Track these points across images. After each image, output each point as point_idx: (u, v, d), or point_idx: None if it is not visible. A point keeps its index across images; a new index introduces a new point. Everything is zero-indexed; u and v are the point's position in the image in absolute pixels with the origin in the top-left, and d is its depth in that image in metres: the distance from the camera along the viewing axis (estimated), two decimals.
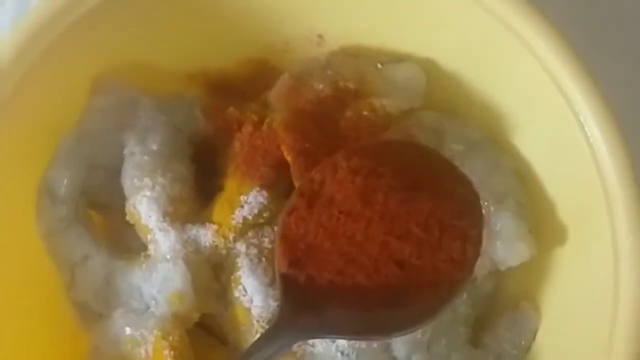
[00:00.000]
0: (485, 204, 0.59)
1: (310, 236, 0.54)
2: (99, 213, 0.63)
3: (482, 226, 0.55)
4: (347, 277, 0.52)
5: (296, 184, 0.57)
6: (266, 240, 0.58)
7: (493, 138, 0.61)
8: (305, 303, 0.52)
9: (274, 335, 0.53)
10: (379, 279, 0.52)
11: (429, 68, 0.62)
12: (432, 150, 0.58)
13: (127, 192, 0.59)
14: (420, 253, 0.53)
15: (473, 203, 0.56)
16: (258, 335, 0.56)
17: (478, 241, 0.55)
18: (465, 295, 0.60)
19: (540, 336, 0.61)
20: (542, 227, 0.60)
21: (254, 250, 0.58)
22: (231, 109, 0.61)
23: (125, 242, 0.62)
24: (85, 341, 0.60)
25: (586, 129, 0.55)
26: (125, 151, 0.59)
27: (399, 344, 0.58)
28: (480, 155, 0.61)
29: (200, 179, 0.61)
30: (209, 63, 0.64)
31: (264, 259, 0.58)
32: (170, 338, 0.56)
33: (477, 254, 0.55)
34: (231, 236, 0.58)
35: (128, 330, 0.57)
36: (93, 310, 0.60)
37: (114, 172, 0.60)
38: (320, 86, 0.61)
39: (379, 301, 0.52)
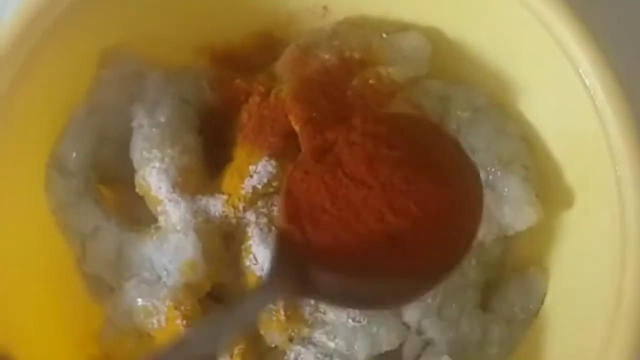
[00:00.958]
0: (492, 170, 0.60)
1: (312, 193, 0.53)
2: (109, 187, 0.64)
3: (479, 220, 0.55)
4: (342, 243, 0.52)
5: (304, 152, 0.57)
6: (276, 209, 0.58)
7: (499, 104, 0.62)
8: (297, 261, 0.52)
9: (259, 290, 0.53)
10: (371, 250, 0.52)
11: (433, 36, 0.62)
12: (445, 132, 0.58)
13: (136, 164, 0.59)
14: (415, 231, 0.52)
15: (475, 194, 0.55)
16: None
17: (473, 234, 0.54)
18: (474, 261, 0.61)
19: (548, 300, 0.62)
20: (549, 191, 0.60)
21: (263, 219, 0.58)
22: (238, 81, 0.61)
23: (136, 215, 0.62)
24: (97, 314, 0.61)
25: (592, 92, 0.55)
26: (134, 124, 0.60)
27: (410, 309, 0.58)
28: (487, 121, 0.61)
29: (209, 151, 0.62)
30: (216, 36, 0.65)
31: (273, 228, 0.58)
32: (183, 308, 0.56)
33: (470, 245, 0.54)
34: (241, 206, 0.58)
35: (140, 301, 0.58)
36: (105, 282, 0.61)
37: (124, 145, 0.60)
38: (327, 56, 0.61)
39: (371, 272, 0.52)
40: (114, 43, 0.61)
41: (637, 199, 0.53)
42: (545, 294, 0.62)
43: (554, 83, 0.59)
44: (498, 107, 0.62)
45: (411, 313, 0.58)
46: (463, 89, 0.62)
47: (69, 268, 0.62)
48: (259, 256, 0.57)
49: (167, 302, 0.57)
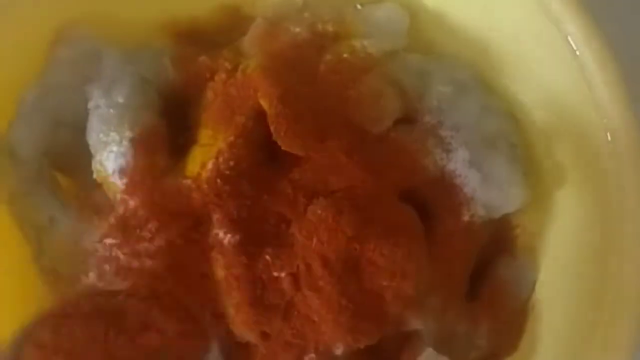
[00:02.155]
0: (478, 149, 0.57)
1: None
2: (65, 174, 0.60)
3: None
4: None
5: (274, 132, 0.53)
6: (244, 193, 0.55)
7: (482, 78, 0.58)
8: None
9: None
10: None
11: (411, 6, 0.59)
12: None
13: (93, 148, 0.56)
14: None
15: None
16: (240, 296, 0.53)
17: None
18: (459, 247, 0.57)
19: (541, 287, 0.58)
20: (538, 169, 0.57)
21: (231, 205, 0.54)
22: (203, 57, 0.57)
23: (94, 204, 0.58)
24: None
25: (582, 61, 0.52)
26: (90, 105, 0.56)
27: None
28: (470, 97, 0.58)
29: (172, 133, 0.58)
30: (178, 11, 0.61)
31: (243, 214, 0.54)
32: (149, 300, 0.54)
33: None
34: (205, 190, 0.54)
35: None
36: (63, 276, 0.57)
37: (80, 129, 0.57)
38: (297, 29, 0.58)
39: None
40: (69, 20, 0.57)
41: (634, 174, 0.49)
42: (536, 280, 0.58)
43: (540, 53, 0.55)
44: (481, 81, 0.58)
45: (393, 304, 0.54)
46: (444, 63, 0.58)
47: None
48: (224, 244, 0.54)
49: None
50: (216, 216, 0.54)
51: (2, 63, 0.56)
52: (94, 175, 0.56)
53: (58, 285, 0.58)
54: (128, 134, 0.55)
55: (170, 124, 0.57)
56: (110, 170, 0.55)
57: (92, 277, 0.55)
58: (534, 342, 0.57)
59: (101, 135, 0.55)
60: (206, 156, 0.54)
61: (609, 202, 0.52)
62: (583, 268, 0.55)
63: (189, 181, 0.54)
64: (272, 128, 0.53)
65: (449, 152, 0.57)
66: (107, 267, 0.55)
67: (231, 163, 0.54)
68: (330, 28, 0.58)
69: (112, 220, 0.55)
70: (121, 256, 0.55)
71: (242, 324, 0.54)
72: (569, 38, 0.52)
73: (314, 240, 0.53)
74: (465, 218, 0.56)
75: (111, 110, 0.55)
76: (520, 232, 0.60)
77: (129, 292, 0.54)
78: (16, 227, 0.57)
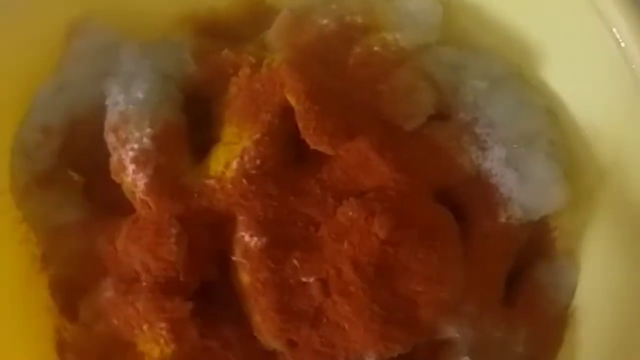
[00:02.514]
0: (515, 147, 0.54)
1: None
2: (81, 173, 0.57)
3: None
4: None
5: (301, 130, 0.51)
6: (271, 194, 0.52)
7: (519, 73, 0.56)
8: None
9: None
10: None
11: None
12: None
13: (111, 146, 0.53)
14: None
15: None
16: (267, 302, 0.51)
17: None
18: (496, 250, 0.54)
19: (582, 293, 0.56)
20: (579, 169, 0.55)
21: (257, 206, 0.52)
22: (225, 51, 0.55)
23: (112, 205, 0.56)
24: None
25: (628, 55, 0.49)
26: (108, 101, 0.54)
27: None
28: (506, 93, 0.55)
29: (193, 130, 0.55)
30: (198, 3, 0.59)
31: (270, 216, 0.52)
32: (167, 309, 0.51)
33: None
34: (230, 190, 0.52)
35: (119, 302, 0.52)
36: (75, 284, 0.55)
37: (97, 126, 0.54)
38: (325, 21, 0.55)
39: None
40: (85, 12, 0.56)
41: None
42: (575, 286, 0.56)
43: (582, 46, 0.53)
44: (518, 75, 0.56)
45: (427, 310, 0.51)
46: (479, 56, 0.56)
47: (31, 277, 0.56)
48: (250, 248, 0.51)
49: (148, 304, 0.50)
50: (241, 218, 0.52)
51: (15, 57, 0.54)
52: (112, 175, 0.54)
53: (70, 294, 0.55)
54: (148, 131, 0.52)
55: (191, 121, 0.55)
56: (130, 170, 0.52)
57: (109, 284, 0.52)
58: (573, 351, 0.55)
59: (120, 132, 0.53)
60: (230, 155, 0.52)
61: None
62: (627, 274, 0.52)
63: (212, 181, 0.52)
64: (299, 125, 0.51)
65: (484, 150, 0.54)
66: (124, 272, 0.52)
67: (257, 162, 0.52)
68: (359, 20, 0.56)
69: (130, 222, 0.52)
70: (139, 262, 0.52)
71: (268, 332, 0.52)
72: (614, 30, 0.49)
73: (345, 243, 0.50)
74: (502, 220, 0.54)
75: (130, 107, 0.53)
76: (558, 234, 0.57)
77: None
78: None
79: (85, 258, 0.54)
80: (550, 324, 0.55)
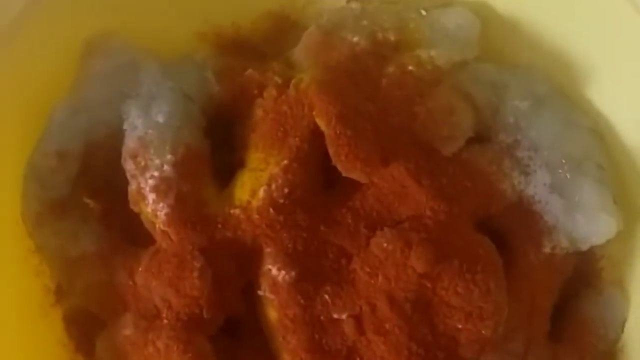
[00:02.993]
0: (560, 171, 0.52)
1: None
2: (99, 202, 0.55)
3: None
4: None
5: (333, 156, 0.49)
6: (300, 224, 0.49)
7: (563, 91, 0.54)
8: None
9: None
10: None
11: (482, 12, 0.55)
12: None
13: (129, 173, 0.51)
14: None
15: None
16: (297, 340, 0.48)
17: None
18: (542, 282, 0.52)
19: (629, 327, 0.53)
20: (629, 196, 0.53)
21: (285, 238, 0.49)
22: (250, 71, 0.54)
23: (131, 234, 0.53)
24: None
25: None
26: (126, 125, 0.52)
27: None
28: (550, 112, 0.53)
29: (217, 155, 0.53)
30: (222, 19, 0.57)
31: (299, 247, 0.49)
32: (190, 348, 0.48)
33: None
34: (257, 220, 0.49)
35: (139, 340, 0.50)
36: (91, 319, 0.53)
37: (115, 151, 0.52)
38: (355, 39, 0.53)
39: None
40: (103, 29, 0.54)
41: None
42: (625, 320, 0.53)
43: (630, 61, 0.51)
44: (562, 94, 0.54)
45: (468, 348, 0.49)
46: (520, 74, 0.54)
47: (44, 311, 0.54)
48: (279, 282, 0.49)
49: (170, 342, 0.48)
50: (268, 250, 0.49)
51: (29, 77, 0.52)
52: (131, 205, 0.51)
53: (86, 329, 0.54)
54: (170, 157, 0.50)
55: (214, 145, 0.53)
56: (149, 199, 0.50)
57: (128, 320, 0.50)
58: None
59: (139, 159, 0.51)
60: (257, 182, 0.50)
61: None
62: None
63: (237, 210, 0.50)
64: (330, 151, 0.49)
65: (527, 174, 0.52)
66: (144, 308, 0.49)
67: (285, 190, 0.49)
68: (391, 37, 0.54)
69: (151, 254, 0.50)
70: (160, 297, 0.49)
71: None
72: None
73: (379, 277, 0.48)
74: (547, 250, 0.51)
75: (150, 131, 0.51)
76: (606, 264, 0.55)
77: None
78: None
79: (103, 292, 0.52)
80: (601, 358, 0.53)
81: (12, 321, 0.53)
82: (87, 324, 0.54)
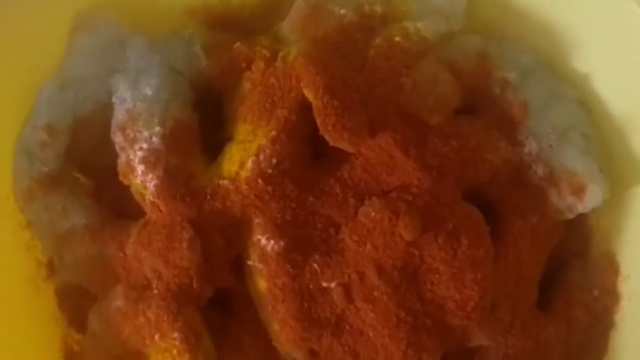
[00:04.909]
0: (546, 141, 0.52)
1: None
2: (89, 176, 0.55)
3: None
4: None
5: (320, 126, 0.48)
6: (289, 195, 0.49)
7: (550, 62, 0.54)
8: None
9: None
10: None
11: None
12: None
13: (119, 146, 0.51)
14: None
15: None
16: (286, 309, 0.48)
17: None
18: (529, 251, 0.52)
19: (623, 297, 0.53)
20: (615, 165, 0.53)
21: (274, 208, 0.49)
22: (238, 45, 0.53)
23: (120, 208, 0.54)
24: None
25: None
26: (115, 98, 0.52)
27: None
28: (536, 84, 0.53)
29: (205, 129, 0.53)
30: None
31: (288, 217, 0.49)
32: (180, 318, 0.48)
33: None
34: (245, 191, 0.49)
35: (129, 311, 0.50)
36: (83, 293, 0.54)
37: (104, 125, 0.52)
38: (342, 11, 0.53)
39: None
40: (90, 5, 0.54)
41: None
42: (614, 288, 0.53)
43: (616, 33, 0.51)
44: (548, 65, 0.54)
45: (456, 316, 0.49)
46: (506, 46, 0.54)
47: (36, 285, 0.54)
48: (268, 252, 0.49)
49: (160, 312, 0.48)
50: (257, 220, 0.49)
51: (18, 53, 0.52)
52: (120, 177, 0.51)
53: (78, 303, 0.54)
54: (158, 129, 0.50)
55: (203, 119, 0.53)
56: (138, 170, 0.50)
57: (119, 292, 0.50)
58: (617, 358, 0.52)
59: (128, 131, 0.50)
60: (245, 154, 0.50)
61: None
62: None
63: (226, 182, 0.50)
64: (318, 121, 0.48)
65: (514, 144, 0.52)
66: (135, 279, 0.50)
67: (273, 161, 0.49)
68: (378, 9, 0.53)
69: (140, 226, 0.50)
70: (150, 268, 0.49)
71: (287, 341, 0.49)
72: None
73: (367, 245, 0.48)
74: (535, 219, 0.51)
75: (139, 104, 0.51)
76: (594, 234, 0.55)
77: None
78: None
79: (94, 265, 0.52)
80: (589, 329, 0.53)
81: (3, 296, 0.53)
82: (79, 298, 0.54)
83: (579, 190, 0.51)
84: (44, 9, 0.53)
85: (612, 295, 0.53)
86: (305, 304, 0.49)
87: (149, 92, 0.51)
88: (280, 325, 0.49)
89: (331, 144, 0.49)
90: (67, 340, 0.54)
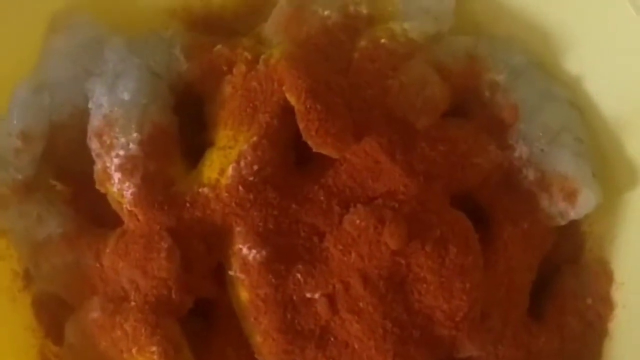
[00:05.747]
0: (537, 144, 0.51)
1: None
2: (65, 183, 0.54)
3: None
4: None
5: (303, 132, 0.47)
6: (271, 202, 0.48)
7: (541, 63, 0.53)
8: None
9: None
10: None
11: None
12: None
13: (95, 153, 0.50)
14: None
15: None
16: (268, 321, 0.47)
17: None
18: (520, 258, 0.51)
19: (617, 305, 0.52)
20: (608, 169, 0.52)
21: (256, 216, 0.48)
22: (219, 47, 0.52)
23: (99, 215, 0.52)
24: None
25: None
26: (91, 103, 0.50)
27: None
28: (527, 85, 0.52)
29: (185, 135, 0.52)
30: None
31: (270, 226, 0.48)
32: (158, 331, 0.47)
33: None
34: (226, 199, 0.48)
35: (106, 323, 0.48)
36: (60, 304, 0.52)
37: (80, 131, 0.51)
38: (326, 12, 0.52)
39: None
40: (67, 4, 0.53)
41: None
42: (607, 295, 0.52)
43: (610, 33, 0.50)
44: (540, 66, 0.53)
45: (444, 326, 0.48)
46: (496, 46, 0.53)
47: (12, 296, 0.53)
48: (249, 261, 0.48)
49: (138, 325, 0.47)
50: (239, 229, 0.48)
51: None
52: (97, 185, 0.50)
53: (55, 314, 0.53)
54: (135, 135, 0.49)
55: (183, 124, 0.52)
56: (115, 178, 0.48)
57: (95, 304, 0.49)
58: None
59: (104, 137, 0.49)
60: (225, 160, 0.49)
61: None
62: None
63: (206, 189, 0.49)
64: (301, 126, 0.47)
65: (504, 148, 0.51)
66: (112, 290, 0.49)
67: (255, 167, 0.48)
68: (364, 10, 0.52)
69: (117, 235, 0.49)
70: (127, 279, 0.48)
71: (270, 354, 0.48)
72: None
73: (353, 254, 0.47)
74: (525, 225, 0.50)
75: (116, 109, 0.49)
76: (587, 240, 0.54)
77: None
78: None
79: (71, 274, 0.51)
80: (583, 338, 0.52)
81: None
82: (56, 309, 0.53)
83: (571, 195, 0.50)
84: (19, 8, 0.52)
85: (606, 303, 0.52)
86: (289, 315, 0.48)
87: (126, 96, 0.50)
88: (263, 337, 0.48)
89: (314, 149, 0.47)
90: (44, 352, 0.53)
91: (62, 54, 0.52)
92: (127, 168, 0.48)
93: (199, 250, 0.49)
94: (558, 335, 0.51)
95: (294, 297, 0.48)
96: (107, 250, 0.49)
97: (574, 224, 0.52)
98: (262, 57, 0.50)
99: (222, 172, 0.48)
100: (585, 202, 0.50)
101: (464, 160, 0.50)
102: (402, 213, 0.47)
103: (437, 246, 0.47)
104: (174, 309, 0.48)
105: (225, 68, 0.52)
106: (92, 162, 0.50)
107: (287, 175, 0.49)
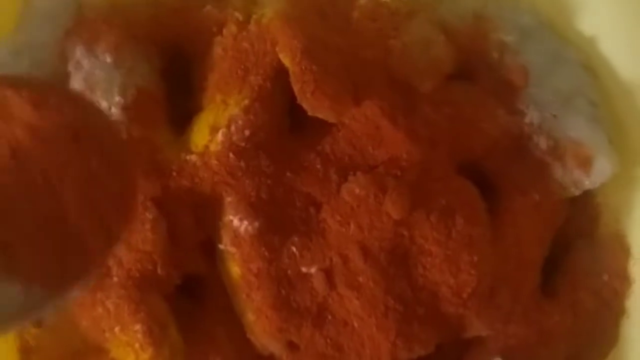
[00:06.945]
0: (549, 109, 0.49)
1: None
2: None
3: None
4: None
5: (298, 94, 0.45)
6: (264, 170, 0.46)
7: (552, 23, 0.51)
8: None
9: None
10: None
11: None
12: None
13: None
14: None
15: None
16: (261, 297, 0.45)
17: None
18: (530, 232, 0.49)
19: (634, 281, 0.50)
20: (624, 134, 0.50)
21: (247, 185, 0.46)
22: (208, 7, 0.50)
23: None
24: None
25: None
26: (71, 65, 0.48)
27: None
28: (537, 46, 0.50)
29: (172, 99, 0.50)
30: None
31: (263, 196, 0.46)
32: (142, 307, 0.45)
33: None
34: (215, 167, 0.46)
35: (87, 300, 0.46)
36: None
37: None
38: None
39: None
40: None
41: None
42: (623, 270, 0.50)
43: None
44: (550, 26, 0.51)
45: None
46: (505, 5, 0.51)
47: None
48: (241, 234, 0.46)
49: (120, 301, 0.45)
50: (229, 199, 0.46)
51: None
52: None
53: None
54: (118, 99, 0.47)
55: (170, 88, 0.50)
56: None
57: None
58: (627, 349, 0.49)
59: None
60: (215, 125, 0.47)
61: None
62: None
63: (194, 157, 0.47)
64: (295, 89, 0.45)
65: (514, 113, 0.49)
66: None
67: (246, 133, 0.46)
68: None
69: None
70: None
71: (263, 333, 0.46)
72: None
73: (351, 226, 0.45)
74: (536, 195, 0.48)
75: (97, 72, 0.48)
76: (603, 212, 0.51)
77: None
78: None
79: None
80: (598, 316, 0.50)
81: None
82: None
83: (585, 163, 0.48)
84: None
85: (622, 280, 0.50)
86: (283, 292, 0.46)
87: (108, 58, 0.48)
88: (256, 315, 0.46)
89: (310, 113, 0.45)
90: (22, 335, 0.50)
91: (40, 14, 0.50)
92: None
93: (186, 222, 0.47)
94: (571, 313, 0.49)
95: (289, 272, 0.46)
96: None
97: (588, 195, 0.50)
98: (254, 16, 0.48)
99: (212, 138, 0.46)
100: (601, 170, 0.48)
101: (470, 126, 0.48)
102: (405, 181, 0.45)
103: (442, 216, 0.45)
104: (160, 285, 0.46)
105: (214, 29, 0.50)
106: None
107: (281, 142, 0.47)
